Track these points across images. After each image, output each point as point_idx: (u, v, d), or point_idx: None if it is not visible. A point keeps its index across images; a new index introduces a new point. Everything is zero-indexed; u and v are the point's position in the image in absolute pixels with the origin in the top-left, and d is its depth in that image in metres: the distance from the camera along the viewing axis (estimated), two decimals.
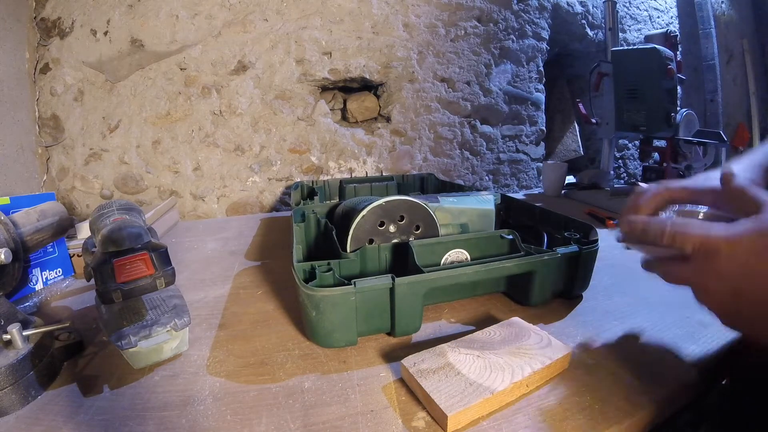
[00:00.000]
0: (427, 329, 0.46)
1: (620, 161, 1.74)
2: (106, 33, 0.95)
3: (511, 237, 0.53)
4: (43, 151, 0.97)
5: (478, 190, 0.77)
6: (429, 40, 1.14)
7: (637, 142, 1.62)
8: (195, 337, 0.45)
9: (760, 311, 0.26)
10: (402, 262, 0.51)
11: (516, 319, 0.43)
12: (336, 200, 0.93)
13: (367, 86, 1.17)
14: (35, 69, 0.94)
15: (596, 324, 0.46)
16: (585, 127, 1.62)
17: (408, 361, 0.37)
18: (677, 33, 1.30)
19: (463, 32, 1.18)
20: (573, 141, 1.64)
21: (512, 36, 1.25)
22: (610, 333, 0.44)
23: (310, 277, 0.46)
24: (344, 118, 1.17)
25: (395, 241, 0.53)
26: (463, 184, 0.94)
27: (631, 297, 0.52)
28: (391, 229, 0.54)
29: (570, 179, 1.36)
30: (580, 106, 1.18)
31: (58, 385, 0.39)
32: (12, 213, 0.47)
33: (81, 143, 0.99)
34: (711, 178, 0.35)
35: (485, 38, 1.21)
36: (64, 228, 0.53)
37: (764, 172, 0.36)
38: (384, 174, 1.12)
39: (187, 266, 0.67)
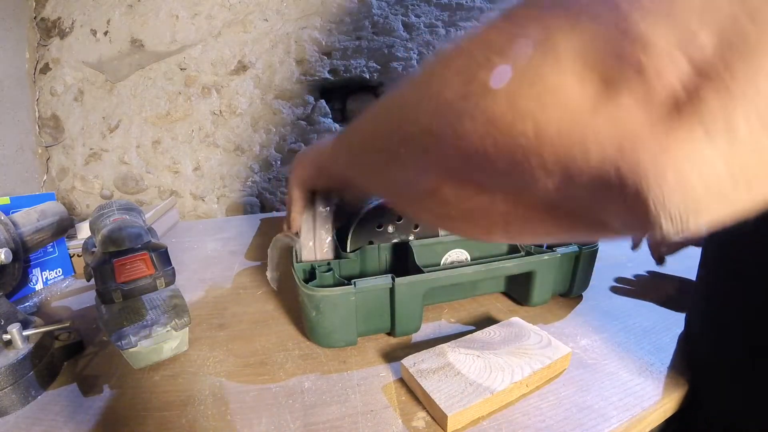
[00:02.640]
0: (427, 329, 0.46)
1: None
2: (106, 33, 0.95)
3: None
4: (43, 151, 0.97)
5: None
6: (429, 40, 1.14)
7: None
8: (195, 337, 0.45)
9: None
10: (402, 262, 0.51)
11: (516, 319, 0.43)
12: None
13: (366, 86, 1.17)
14: (35, 69, 0.94)
15: (596, 324, 0.46)
16: None
17: (408, 361, 0.37)
18: None
19: (463, 32, 1.17)
20: None
21: None
22: (610, 333, 0.44)
23: (310, 277, 0.46)
24: (344, 118, 1.17)
25: (395, 240, 0.53)
26: None
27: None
28: (390, 229, 0.54)
29: None
30: None
31: (58, 385, 0.39)
32: (12, 213, 0.47)
33: (81, 143, 0.99)
34: None
35: None
36: (64, 228, 0.53)
37: None
38: None
39: (187, 266, 0.67)
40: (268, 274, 0.51)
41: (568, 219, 0.16)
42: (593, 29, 0.13)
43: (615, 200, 0.13)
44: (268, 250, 0.50)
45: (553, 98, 0.13)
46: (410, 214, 0.45)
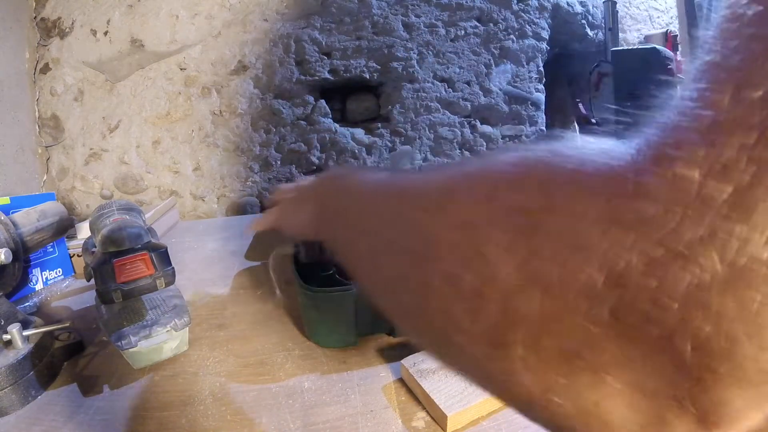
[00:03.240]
0: None
1: None
2: (106, 33, 0.95)
3: None
4: (43, 151, 0.97)
5: None
6: (429, 40, 1.14)
7: None
8: (195, 337, 0.45)
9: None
10: None
11: None
12: None
13: (366, 86, 1.17)
14: (35, 69, 0.94)
15: None
16: (585, 128, 1.62)
17: (408, 361, 0.37)
18: (677, 33, 1.30)
19: (463, 32, 1.18)
20: None
21: (512, 36, 1.25)
22: None
23: (310, 277, 0.46)
24: (344, 118, 1.17)
25: None
26: None
27: None
28: None
29: None
30: (580, 106, 1.18)
31: (58, 385, 0.39)
32: (12, 213, 0.47)
33: (81, 143, 0.99)
34: None
35: (485, 38, 1.21)
36: (64, 228, 0.53)
37: None
38: None
39: (187, 266, 0.67)
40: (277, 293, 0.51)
41: None
42: (654, 361, 0.11)
43: None
44: (270, 272, 0.50)
45: (597, 421, 0.12)
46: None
